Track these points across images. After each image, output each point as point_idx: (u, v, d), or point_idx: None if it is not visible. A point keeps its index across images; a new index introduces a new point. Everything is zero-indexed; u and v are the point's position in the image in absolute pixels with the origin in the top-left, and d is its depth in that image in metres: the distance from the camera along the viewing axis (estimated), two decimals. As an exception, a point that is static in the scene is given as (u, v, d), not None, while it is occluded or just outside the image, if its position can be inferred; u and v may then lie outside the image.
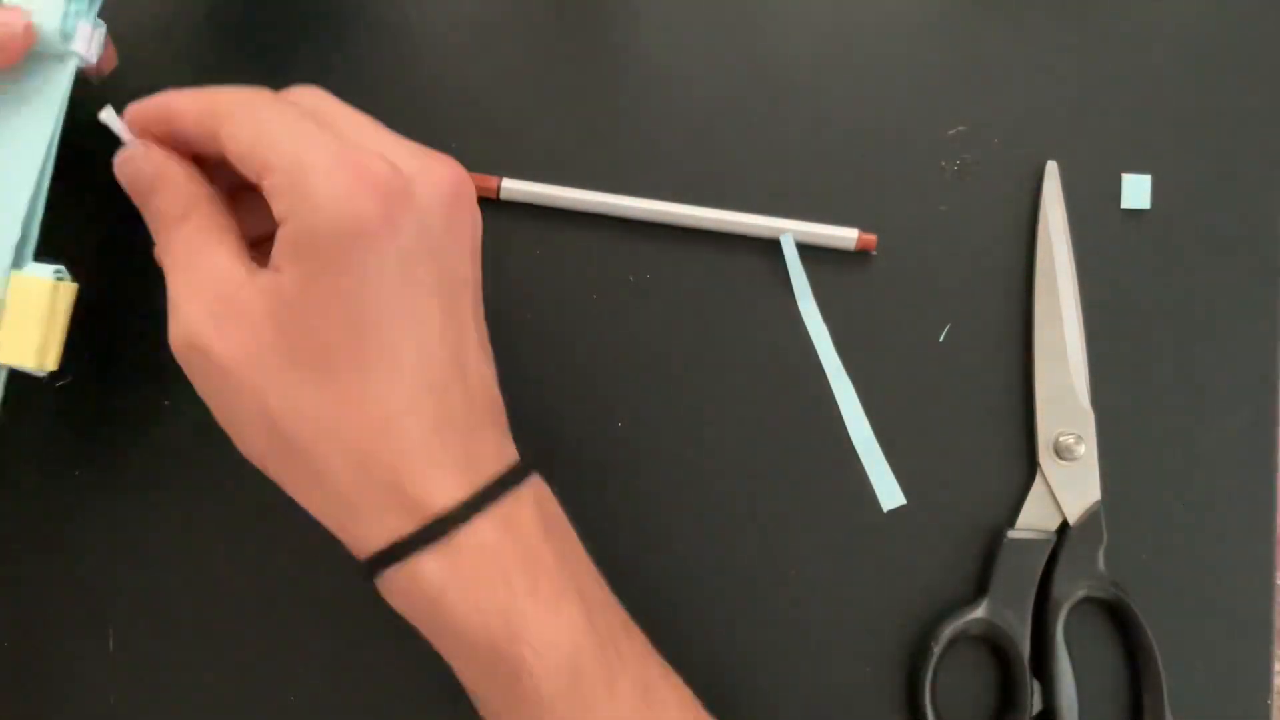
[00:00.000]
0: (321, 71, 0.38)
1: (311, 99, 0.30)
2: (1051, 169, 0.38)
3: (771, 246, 0.38)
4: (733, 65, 0.39)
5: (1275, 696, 0.38)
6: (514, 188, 0.37)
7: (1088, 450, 0.37)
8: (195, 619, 0.37)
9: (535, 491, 0.29)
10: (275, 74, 0.38)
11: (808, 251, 0.38)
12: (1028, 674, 0.36)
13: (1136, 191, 0.38)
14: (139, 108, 0.30)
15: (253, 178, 0.27)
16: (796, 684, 0.37)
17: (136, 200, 0.30)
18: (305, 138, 0.27)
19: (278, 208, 0.26)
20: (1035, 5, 0.39)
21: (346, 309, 0.26)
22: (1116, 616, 0.37)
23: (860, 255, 0.38)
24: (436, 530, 0.27)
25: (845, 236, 0.37)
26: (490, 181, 0.37)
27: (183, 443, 0.37)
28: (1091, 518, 0.37)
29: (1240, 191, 0.39)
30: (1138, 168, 0.39)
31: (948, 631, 0.36)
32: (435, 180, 0.28)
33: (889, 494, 0.38)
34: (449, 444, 0.27)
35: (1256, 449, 0.38)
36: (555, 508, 0.30)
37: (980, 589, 0.37)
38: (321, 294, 0.26)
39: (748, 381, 0.38)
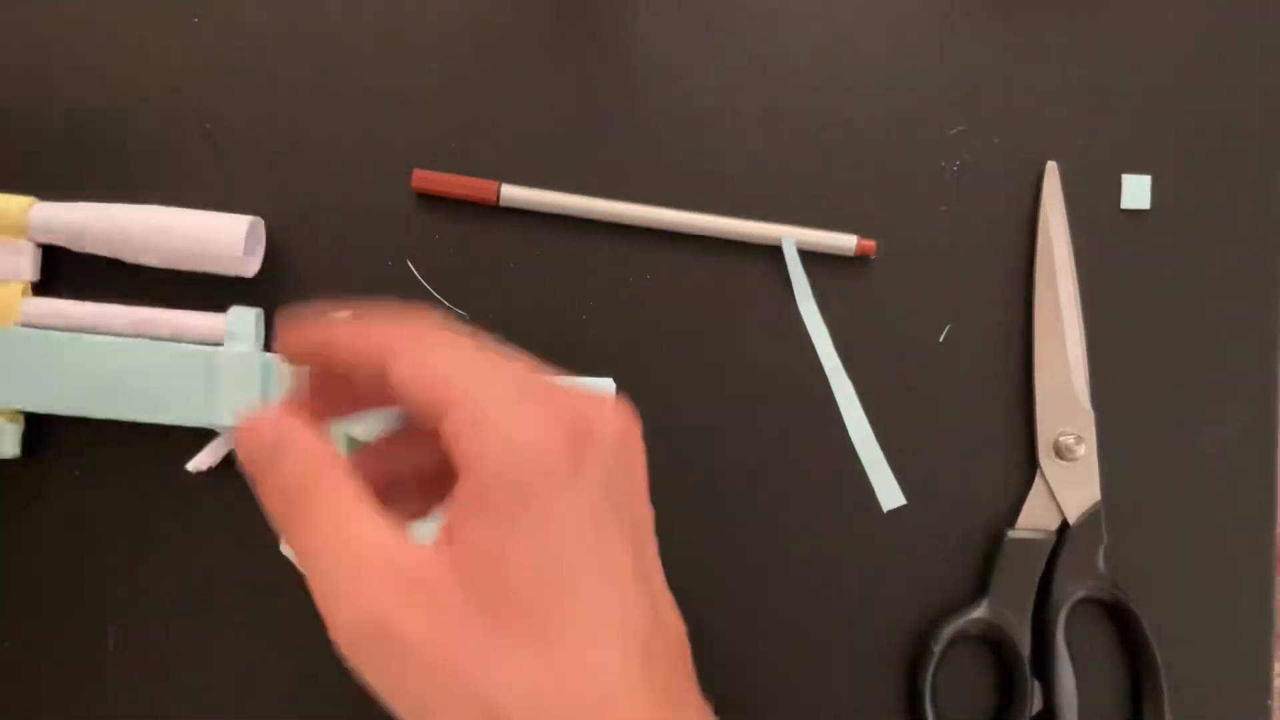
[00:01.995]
0: (318, 73, 0.38)
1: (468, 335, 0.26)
2: (1051, 169, 0.38)
3: (771, 249, 0.38)
4: (732, 68, 0.39)
5: (1275, 697, 0.38)
6: (513, 194, 0.37)
7: (1088, 450, 0.37)
8: (195, 619, 0.37)
9: None
10: (271, 77, 0.38)
11: (807, 255, 0.38)
12: (1028, 674, 0.36)
13: (1136, 191, 0.38)
14: (294, 334, 0.26)
15: (427, 419, 0.24)
16: (796, 684, 0.37)
17: (255, 472, 0.25)
18: (488, 372, 0.24)
19: (461, 449, 0.23)
20: (1035, 5, 0.39)
21: (547, 564, 0.23)
22: (1116, 616, 0.37)
23: (860, 258, 0.38)
24: None
25: (844, 243, 0.37)
26: (489, 187, 0.37)
27: (183, 443, 0.37)
28: (1091, 518, 0.37)
29: (1240, 191, 0.39)
30: (1138, 168, 0.39)
31: (948, 631, 0.36)
32: (609, 417, 0.25)
33: (889, 494, 0.38)
34: (662, 710, 0.23)
35: (1256, 449, 0.38)
36: None
37: (980, 589, 0.37)
38: (520, 548, 0.23)
39: (748, 382, 0.38)
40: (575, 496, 0.23)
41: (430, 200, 0.38)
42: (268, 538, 0.37)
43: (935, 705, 0.36)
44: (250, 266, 0.37)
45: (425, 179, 0.37)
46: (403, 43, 0.38)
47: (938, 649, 0.36)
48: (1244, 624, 0.38)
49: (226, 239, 0.35)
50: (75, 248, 0.36)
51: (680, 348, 0.38)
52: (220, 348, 0.35)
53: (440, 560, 0.23)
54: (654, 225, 0.38)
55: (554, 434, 0.23)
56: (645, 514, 0.25)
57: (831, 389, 0.38)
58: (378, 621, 0.22)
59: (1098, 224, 0.38)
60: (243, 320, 0.36)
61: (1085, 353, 0.38)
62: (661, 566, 0.26)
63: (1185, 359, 0.38)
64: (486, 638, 0.22)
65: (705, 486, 0.38)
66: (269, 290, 0.37)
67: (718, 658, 0.37)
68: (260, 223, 0.37)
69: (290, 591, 0.37)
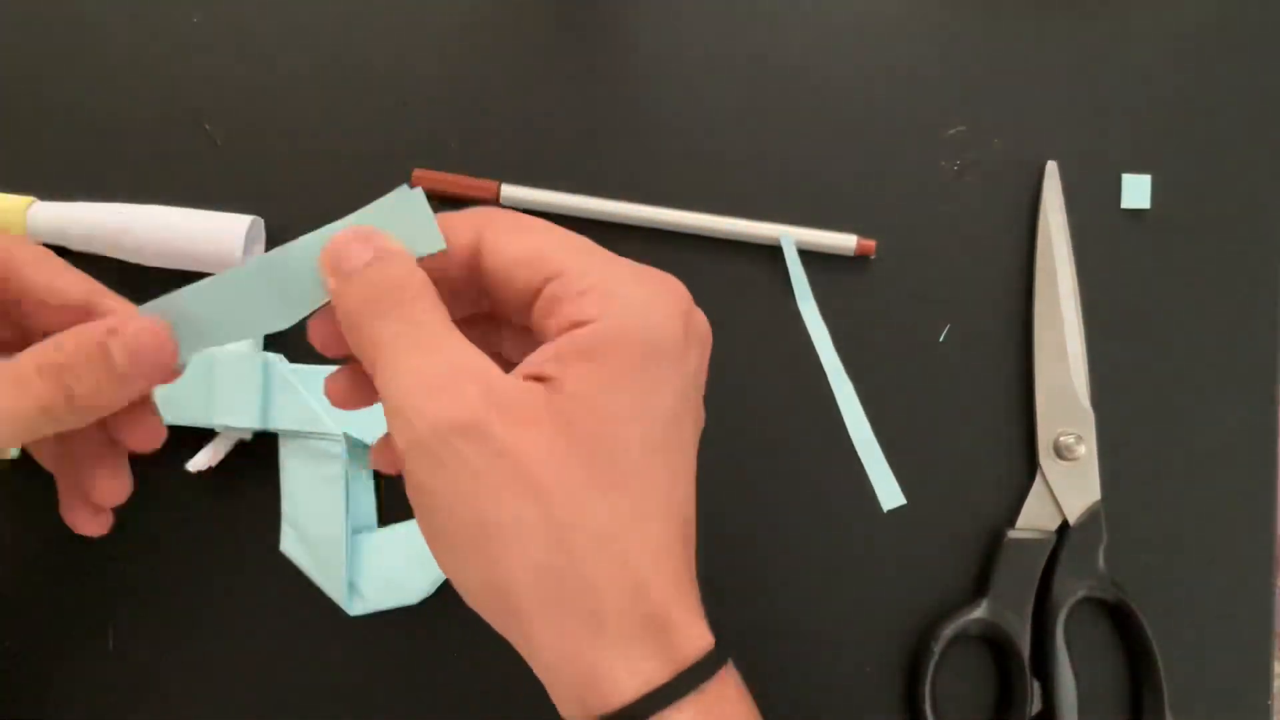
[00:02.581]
0: (319, 72, 0.38)
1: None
2: (1051, 169, 0.38)
3: (771, 249, 0.38)
4: (732, 68, 0.39)
5: (1275, 697, 0.38)
6: (513, 193, 0.37)
7: (1088, 450, 0.37)
8: (195, 619, 0.37)
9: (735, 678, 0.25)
10: (271, 76, 0.38)
11: (807, 255, 0.38)
12: (1028, 674, 0.36)
13: (1136, 191, 0.38)
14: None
15: (531, 282, 0.25)
16: (796, 683, 0.37)
17: (343, 271, 0.25)
18: (594, 251, 0.25)
19: (577, 308, 0.24)
20: (1035, 6, 0.39)
21: (648, 424, 0.24)
22: (1116, 616, 0.37)
23: (860, 258, 0.38)
24: (691, 680, 0.23)
25: (844, 243, 0.37)
26: (489, 187, 0.37)
27: (183, 443, 0.37)
28: (1091, 518, 0.37)
29: (1240, 191, 0.39)
30: (1138, 168, 0.39)
31: (948, 631, 0.36)
32: (701, 316, 0.26)
33: (889, 494, 0.38)
34: (693, 591, 0.24)
35: (1256, 449, 0.38)
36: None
37: (980, 589, 0.37)
38: (627, 402, 0.24)
39: (748, 382, 0.38)
40: (680, 371, 0.24)
41: (430, 200, 0.38)
42: (269, 538, 0.37)
43: (935, 705, 0.36)
44: None
45: (425, 179, 0.37)
46: (403, 43, 0.38)
47: (938, 649, 0.36)
48: (1244, 624, 0.38)
49: (226, 238, 0.35)
50: (75, 247, 0.36)
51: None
52: (220, 348, 0.35)
53: (535, 392, 0.23)
54: (654, 225, 0.38)
55: (674, 312, 0.24)
56: (702, 411, 0.26)
57: (831, 389, 0.38)
58: (473, 421, 0.23)
59: (1098, 224, 0.38)
60: None
61: (1085, 353, 0.38)
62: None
63: (1185, 359, 0.38)
64: (577, 470, 0.23)
65: (705, 486, 0.37)
66: None
67: (718, 658, 0.37)
68: (260, 222, 0.37)
69: (292, 591, 0.37)
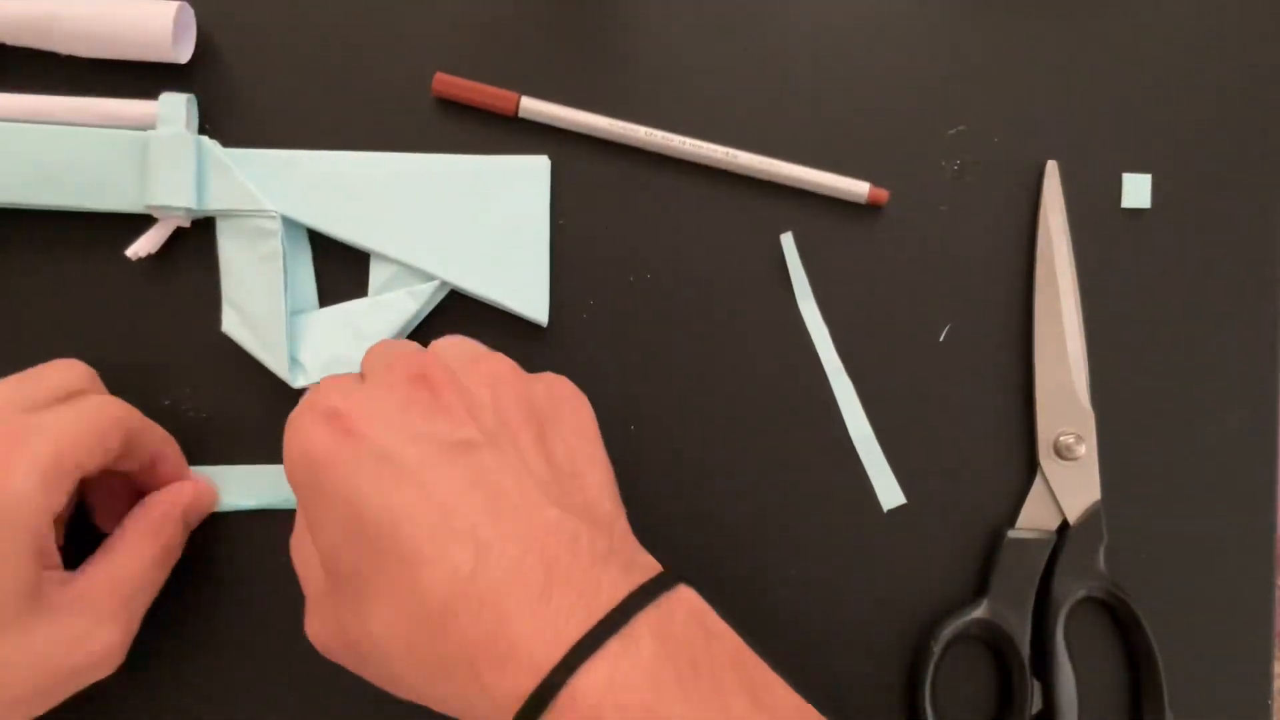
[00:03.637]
0: None
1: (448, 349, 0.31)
2: (1051, 169, 0.38)
3: (774, 243, 0.38)
4: (733, 67, 0.38)
5: (1275, 697, 0.38)
6: (533, 107, 0.37)
7: (1088, 450, 0.37)
8: (195, 619, 0.37)
9: (657, 616, 0.26)
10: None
11: (809, 249, 0.38)
12: (1028, 674, 0.36)
13: (1136, 191, 0.38)
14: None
15: None
16: (796, 683, 0.37)
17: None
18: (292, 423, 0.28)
19: None
20: (1035, 6, 0.39)
21: (347, 536, 0.27)
22: (1116, 616, 0.37)
23: (865, 248, 0.38)
24: (533, 709, 0.24)
25: (856, 190, 0.37)
26: (509, 98, 0.37)
27: (182, 437, 0.37)
28: (1091, 517, 0.37)
29: (1240, 191, 0.39)
30: (1138, 168, 0.39)
31: (948, 631, 0.36)
32: (388, 372, 0.29)
33: (889, 494, 0.38)
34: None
35: (1256, 449, 0.38)
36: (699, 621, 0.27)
37: (980, 589, 0.37)
38: (324, 537, 0.27)
39: (748, 381, 0.38)
40: (345, 473, 0.27)
41: (449, 106, 0.38)
42: (270, 538, 0.37)
43: (935, 705, 0.36)
44: (182, 53, 0.37)
45: (446, 83, 0.37)
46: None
47: (938, 649, 0.36)
48: (1244, 624, 0.38)
49: (154, 24, 0.36)
50: (8, 42, 0.37)
51: (680, 342, 0.38)
52: (153, 131, 0.36)
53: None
54: (666, 152, 0.38)
55: (312, 436, 0.27)
56: (462, 433, 0.27)
57: (831, 389, 0.38)
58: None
59: (1098, 224, 0.38)
60: (174, 105, 0.36)
61: (1085, 353, 0.38)
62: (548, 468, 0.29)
63: (1185, 358, 0.38)
64: (348, 610, 0.27)
65: (705, 486, 0.38)
66: (202, 77, 0.38)
67: (718, 657, 0.37)
68: (188, 8, 0.37)
69: (291, 592, 0.37)
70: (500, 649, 0.24)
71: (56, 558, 0.32)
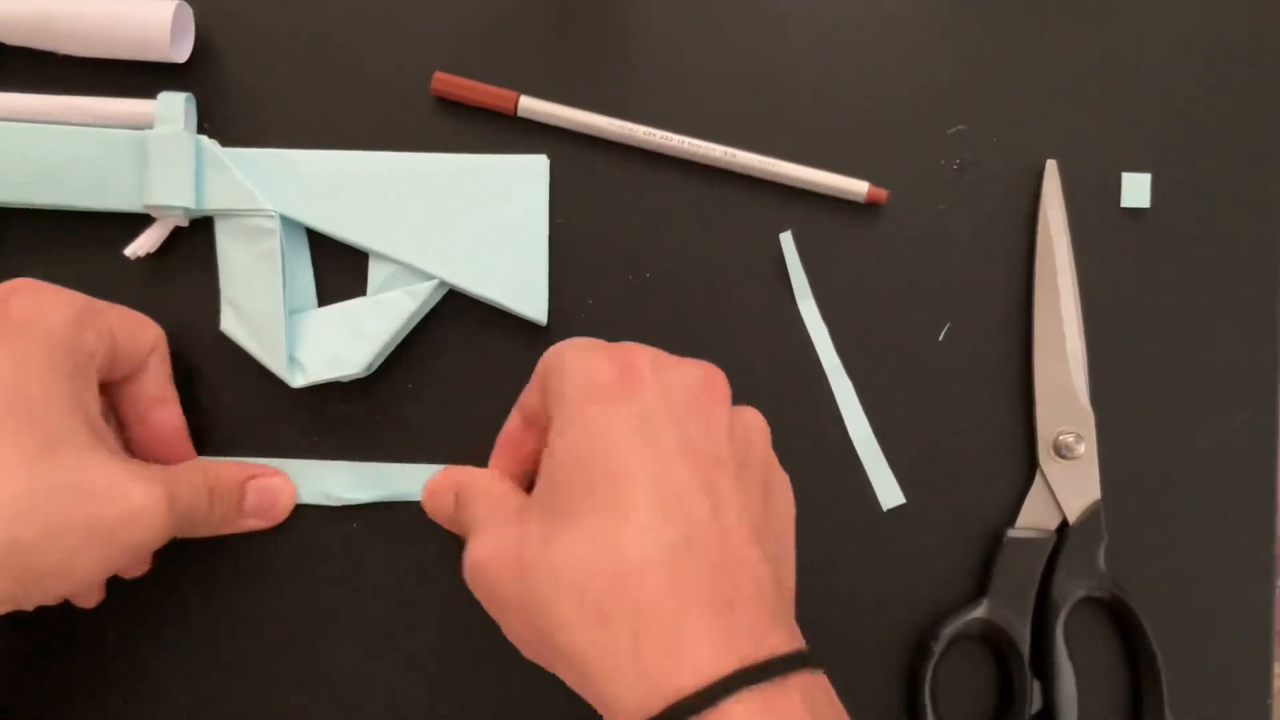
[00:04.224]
0: None
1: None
2: (1051, 168, 0.38)
3: (774, 242, 0.38)
4: (733, 67, 0.38)
5: (1275, 697, 0.38)
6: (531, 106, 0.37)
7: (1088, 449, 0.37)
8: (195, 619, 0.37)
9: (806, 683, 0.26)
10: None
11: (808, 249, 0.38)
12: (1028, 674, 0.36)
13: (1136, 191, 0.38)
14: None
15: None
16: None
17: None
18: (568, 348, 0.30)
19: (548, 395, 0.30)
20: (1035, 6, 0.39)
21: (580, 457, 0.28)
22: (1116, 616, 0.37)
23: (865, 247, 0.38)
24: (685, 709, 0.24)
25: (855, 190, 0.37)
26: (508, 97, 0.37)
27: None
28: (1091, 517, 0.37)
29: (1240, 191, 0.39)
30: (1138, 167, 0.38)
31: (948, 631, 0.36)
32: (686, 369, 0.30)
33: (889, 493, 0.38)
34: (677, 598, 0.26)
35: (1256, 449, 0.38)
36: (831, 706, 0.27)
37: (980, 589, 0.37)
38: (561, 447, 0.28)
39: (747, 381, 0.38)
40: (618, 411, 0.28)
41: (448, 105, 0.38)
42: (270, 538, 0.37)
43: (935, 705, 0.36)
44: (180, 53, 0.37)
45: (445, 83, 0.37)
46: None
47: (938, 649, 0.36)
48: (1244, 624, 0.38)
49: (153, 24, 0.36)
50: (8, 41, 0.37)
51: (679, 342, 0.38)
52: (151, 130, 0.36)
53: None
54: (666, 151, 0.38)
55: (603, 369, 0.29)
56: (720, 454, 0.29)
57: (831, 389, 0.38)
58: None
59: (1098, 223, 0.38)
60: (172, 105, 0.36)
61: (1085, 352, 0.38)
62: (775, 522, 0.31)
63: (1185, 358, 0.38)
64: (538, 520, 0.28)
65: (705, 486, 0.38)
66: (200, 76, 0.38)
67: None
68: (186, 8, 0.37)
69: (292, 593, 0.37)
70: (671, 636, 0.25)
71: (100, 420, 0.32)
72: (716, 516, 0.27)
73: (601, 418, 0.28)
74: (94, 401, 0.32)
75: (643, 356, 0.29)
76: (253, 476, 0.36)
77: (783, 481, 0.32)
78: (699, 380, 0.30)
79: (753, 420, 0.31)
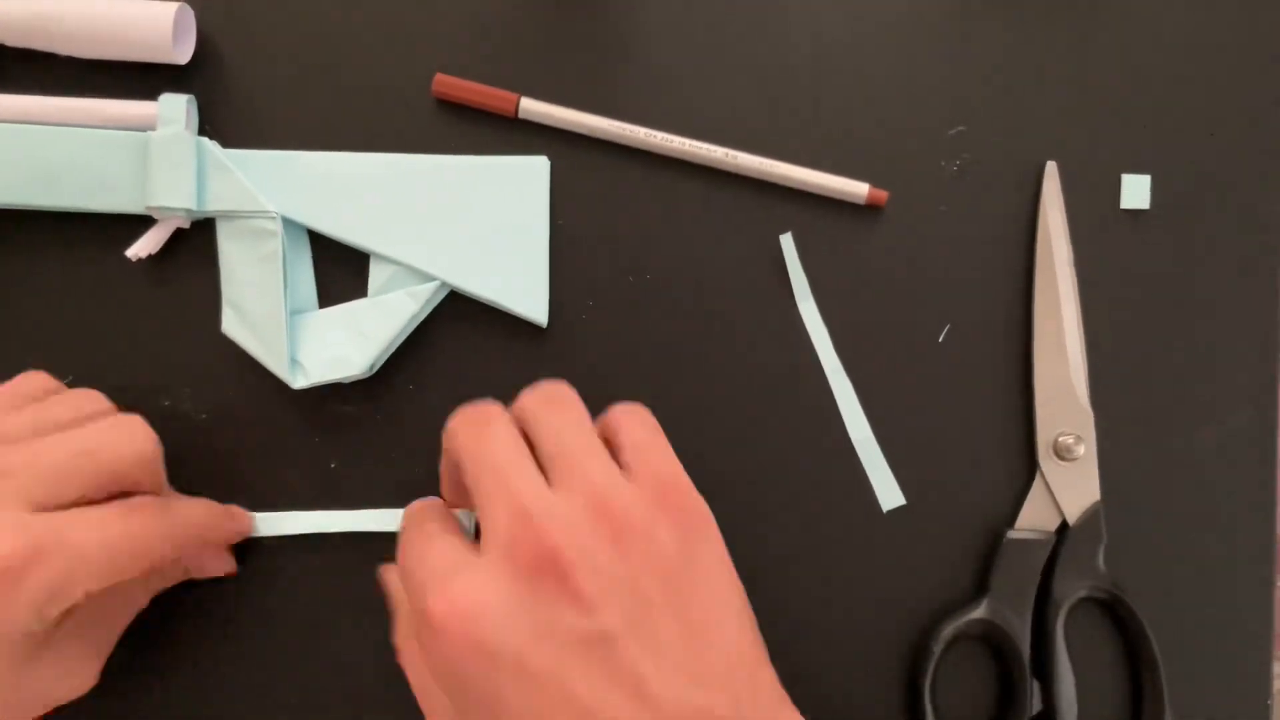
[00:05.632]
0: None
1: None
2: (1051, 169, 0.38)
3: (774, 243, 0.38)
4: (733, 68, 0.39)
5: (1275, 697, 0.38)
6: (532, 108, 0.37)
7: (1088, 450, 0.37)
8: (195, 618, 0.37)
9: None
10: None
11: (809, 249, 0.38)
12: (1028, 674, 0.36)
13: (1136, 191, 0.38)
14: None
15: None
16: (796, 684, 0.37)
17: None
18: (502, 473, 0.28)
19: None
20: (1035, 6, 0.39)
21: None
22: (1116, 616, 0.38)
23: (865, 248, 0.38)
24: None
25: (856, 191, 0.37)
26: (509, 98, 0.37)
27: (182, 438, 0.37)
28: (1091, 518, 0.37)
29: (1240, 191, 0.39)
30: (1138, 168, 0.39)
31: (948, 631, 0.36)
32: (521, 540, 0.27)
33: (889, 494, 0.38)
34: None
35: (1256, 449, 0.38)
36: None
37: (980, 589, 0.37)
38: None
39: (748, 381, 0.38)
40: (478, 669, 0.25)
41: (448, 106, 0.38)
42: (270, 538, 0.37)
43: (935, 705, 0.36)
44: (182, 54, 0.37)
45: (446, 84, 0.37)
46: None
47: (938, 649, 0.36)
48: (1244, 624, 0.38)
49: (155, 26, 0.36)
50: (10, 43, 0.37)
51: (680, 342, 0.38)
52: (153, 132, 0.36)
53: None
54: (666, 152, 0.38)
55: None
56: (602, 624, 0.26)
57: (831, 389, 0.38)
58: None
59: (1098, 224, 0.38)
60: (174, 106, 0.36)
61: (1085, 353, 0.38)
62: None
63: (1185, 359, 0.38)
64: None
65: (704, 487, 0.38)
66: (202, 78, 0.38)
67: (718, 658, 0.37)
68: (188, 9, 0.37)
69: (292, 595, 0.37)
70: None
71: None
72: (637, 696, 0.25)
73: (477, 688, 0.25)
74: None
75: (465, 588, 0.26)
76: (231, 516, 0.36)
77: (686, 539, 0.28)
78: (530, 563, 0.26)
79: (615, 520, 0.27)
